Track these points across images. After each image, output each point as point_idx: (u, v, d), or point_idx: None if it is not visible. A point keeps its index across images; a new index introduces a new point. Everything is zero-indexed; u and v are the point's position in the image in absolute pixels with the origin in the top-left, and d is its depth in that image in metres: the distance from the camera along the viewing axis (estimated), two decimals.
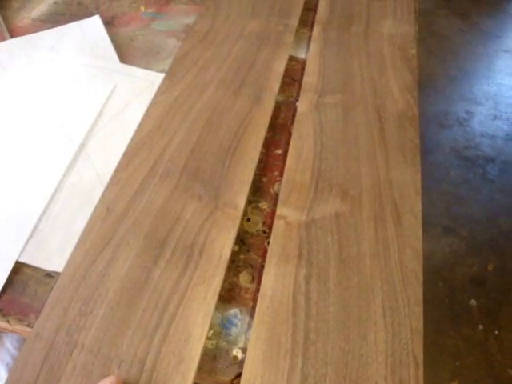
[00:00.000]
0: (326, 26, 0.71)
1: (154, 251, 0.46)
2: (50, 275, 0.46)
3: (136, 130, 0.57)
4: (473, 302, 1.47)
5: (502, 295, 1.50)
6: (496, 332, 1.42)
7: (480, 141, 1.90)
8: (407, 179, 0.52)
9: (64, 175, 0.53)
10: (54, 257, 0.47)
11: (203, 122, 0.58)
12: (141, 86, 0.62)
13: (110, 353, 0.40)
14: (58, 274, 0.46)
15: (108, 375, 0.39)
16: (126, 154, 0.54)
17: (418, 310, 0.43)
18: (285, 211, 0.49)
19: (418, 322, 0.42)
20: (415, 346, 0.40)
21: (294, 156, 0.55)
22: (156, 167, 0.53)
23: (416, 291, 0.44)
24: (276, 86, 0.62)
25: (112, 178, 0.52)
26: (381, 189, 0.51)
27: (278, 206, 0.50)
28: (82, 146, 0.56)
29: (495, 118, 1.98)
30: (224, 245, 0.47)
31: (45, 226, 0.49)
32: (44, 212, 0.50)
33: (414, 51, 0.67)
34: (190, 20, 0.71)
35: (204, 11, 0.73)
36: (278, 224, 0.48)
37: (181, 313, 0.42)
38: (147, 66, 0.64)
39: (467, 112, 1.99)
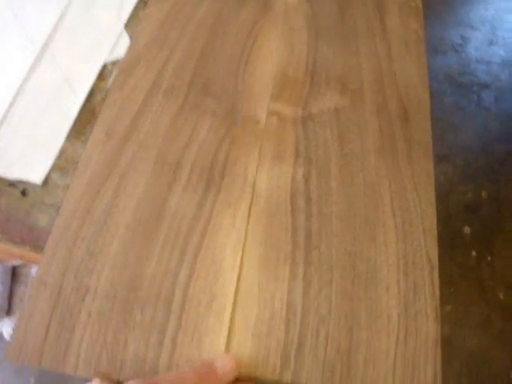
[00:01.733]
0: None
1: (166, 177, 0.40)
2: (13, 185, 0.41)
3: (129, 45, 0.49)
4: (466, 229, 1.46)
5: (495, 222, 1.49)
6: (488, 258, 1.42)
7: (475, 67, 1.83)
8: (412, 71, 0.47)
9: (26, 78, 0.47)
10: (16, 165, 0.41)
11: (207, 32, 0.51)
12: None
13: (128, 296, 0.35)
14: (21, 182, 0.41)
15: (130, 321, 0.34)
16: (120, 72, 0.47)
17: (431, 209, 0.38)
18: (278, 106, 0.44)
19: (432, 223, 0.38)
20: (429, 247, 0.36)
21: (284, 49, 0.48)
22: (158, 84, 0.46)
23: (428, 190, 0.39)
24: None
25: (107, 100, 0.45)
26: (384, 82, 0.46)
27: (270, 101, 0.44)
28: (46, 45, 0.49)
29: (491, 43, 1.90)
30: (248, 164, 0.41)
31: (5, 133, 0.43)
32: (4, 118, 0.44)
33: None
34: None
35: None
36: (270, 120, 0.43)
37: (207, 244, 0.37)
38: None
39: (462, 37, 1.90)
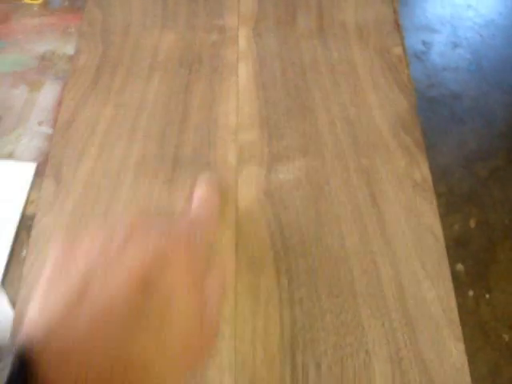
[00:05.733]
0: (257, 26, 0.47)
1: None
2: None
3: (18, 303, 0.33)
4: (460, 266, 1.35)
5: (488, 253, 1.39)
6: (487, 296, 1.32)
7: (443, 76, 1.71)
8: (441, 329, 0.33)
9: None
10: None
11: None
12: None
13: None
14: None
15: None
16: None
17: None
18: None
19: None
20: None
21: (244, 306, 0.34)
22: None
23: None
24: (232, 157, 0.39)
25: None
26: (400, 350, 0.32)
27: None
28: None
29: (455, 46, 1.78)
30: None
31: None
32: None
33: (399, 50, 0.45)
34: (48, 46, 0.45)
35: (87, 27, 0.47)
36: None
37: None
38: None
39: (424, 43, 1.78)
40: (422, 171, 0.38)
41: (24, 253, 0.36)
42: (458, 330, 0.35)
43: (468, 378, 0.31)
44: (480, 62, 1.73)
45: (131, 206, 0.37)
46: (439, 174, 1.43)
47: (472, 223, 1.42)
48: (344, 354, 0.32)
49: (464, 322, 1.21)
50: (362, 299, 0.32)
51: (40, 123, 0.43)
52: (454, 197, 1.43)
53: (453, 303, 0.35)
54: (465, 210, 1.43)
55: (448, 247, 1.24)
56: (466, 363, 0.33)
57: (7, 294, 0.35)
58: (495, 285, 1.33)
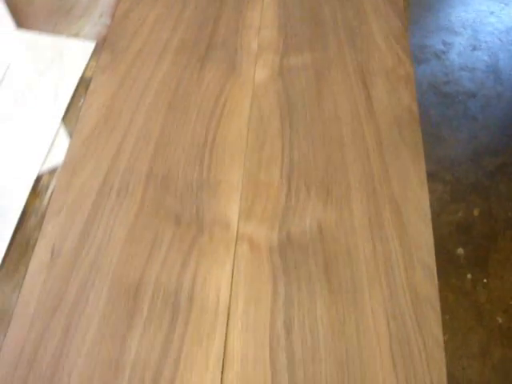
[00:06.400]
0: None
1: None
2: None
3: (75, 131, 0.42)
4: (460, 250, 1.40)
5: (489, 241, 1.44)
6: (484, 280, 1.37)
7: (460, 75, 1.77)
8: (409, 168, 0.40)
9: None
10: None
11: (165, 108, 0.44)
12: (47, 59, 0.47)
13: None
14: None
15: None
16: (64, 168, 0.40)
17: None
18: (248, 228, 0.37)
19: None
20: None
21: (254, 142, 0.41)
22: (109, 181, 0.40)
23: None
24: (254, 45, 0.47)
25: (51, 205, 0.38)
26: (375, 188, 0.39)
27: (239, 220, 0.38)
28: None
29: (475, 48, 1.84)
30: (221, 285, 0.36)
31: None
32: None
33: None
34: None
35: None
36: (241, 250, 0.36)
37: None
38: (55, 30, 0.48)
39: (445, 43, 1.84)
40: (407, 69, 0.45)
41: (81, 102, 0.45)
42: (423, 175, 0.42)
43: (427, 209, 0.38)
44: (497, 65, 1.79)
45: (170, 75, 0.45)
46: (447, 165, 1.47)
47: (476, 212, 1.47)
48: (329, 183, 0.39)
49: (459, 303, 1.27)
50: (348, 147, 0.40)
51: (100, 16, 0.52)
52: (460, 186, 1.49)
53: (420, 151, 0.42)
54: (469, 199, 1.48)
55: (450, 232, 1.31)
56: (427, 194, 0.40)
57: (66, 129, 0.44)
58: (494, 271, 1.37)
